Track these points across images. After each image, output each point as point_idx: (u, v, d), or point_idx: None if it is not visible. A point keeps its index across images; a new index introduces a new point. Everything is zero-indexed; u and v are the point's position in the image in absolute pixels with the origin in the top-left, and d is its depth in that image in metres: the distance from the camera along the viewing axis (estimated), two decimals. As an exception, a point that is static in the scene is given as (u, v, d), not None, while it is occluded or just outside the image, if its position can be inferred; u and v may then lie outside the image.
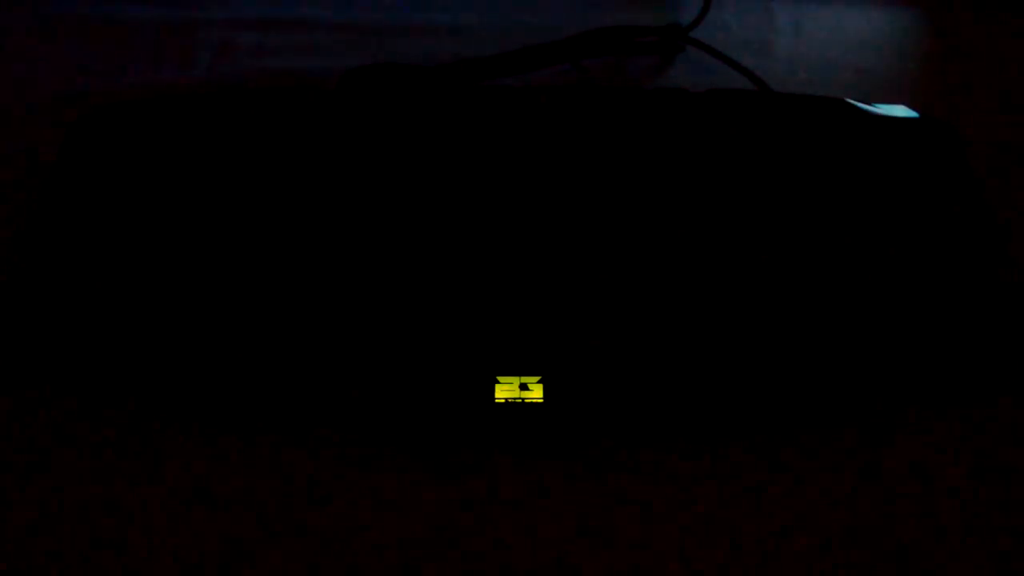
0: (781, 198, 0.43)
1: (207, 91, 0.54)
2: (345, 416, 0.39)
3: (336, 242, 0.41)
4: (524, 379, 0.38)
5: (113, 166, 0.44)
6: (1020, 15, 0.66)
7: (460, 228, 0.41)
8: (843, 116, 0.48)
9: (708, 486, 0.38)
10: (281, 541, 0.36)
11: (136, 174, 0.43)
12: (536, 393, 0.38)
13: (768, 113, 0.48)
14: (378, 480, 0.37)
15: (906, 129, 0.47)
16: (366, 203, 0.42)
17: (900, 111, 0.49)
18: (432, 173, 0.43)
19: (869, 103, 0.49)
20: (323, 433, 0.39)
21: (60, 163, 0.44)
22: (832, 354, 0.40)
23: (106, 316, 0.40)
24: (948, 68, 0.63)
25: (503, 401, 0.38)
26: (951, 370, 0.41)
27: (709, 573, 0.35)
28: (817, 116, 0.48)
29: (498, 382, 0.38)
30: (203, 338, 0.39)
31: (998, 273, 0.42)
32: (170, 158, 0.44)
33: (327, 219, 0.41)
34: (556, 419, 0.38)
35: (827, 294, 0.40)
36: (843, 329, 0.40)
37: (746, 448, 0.39)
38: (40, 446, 0.38)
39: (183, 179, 0.43)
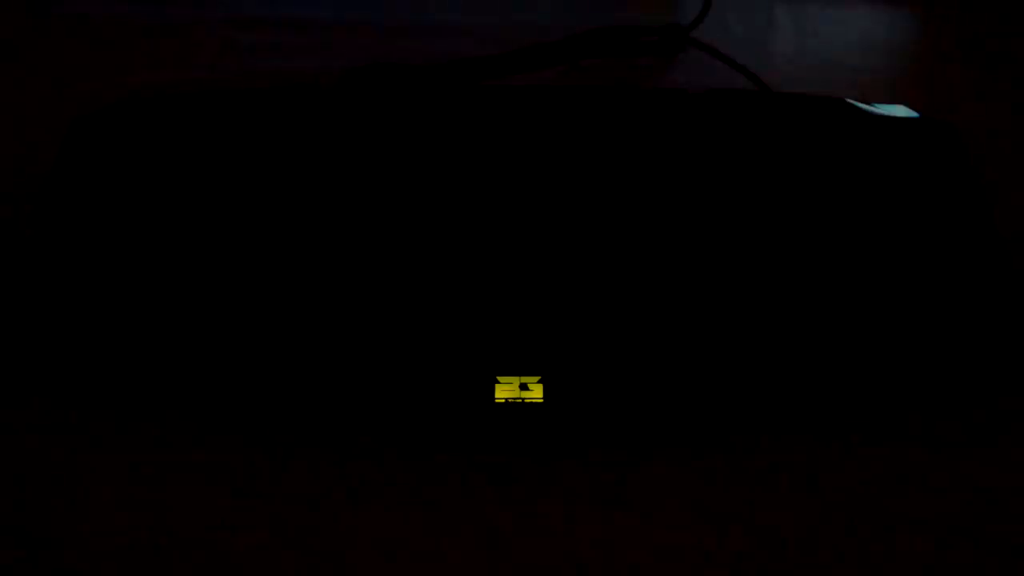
0: (781, 198, 0.43)
1: (207, 91, 0.54)
2: (344, 416, 0.39)
3: (335, 243, 0.41)
4: (524, 379, 0.38)
5: (111, 167, 0.43)
6: (1020, 14, 0.66)
7: (460, 228, 0.41)
8: (843, 116, 0.48)
9: (711, 486, 0.38)
10: (277, 542, 0.36)
11: (134, 174, 0.43)
12: (536, 393, 0.38)
13: (768, 113, 0.48)
14: (376, 480, 0.37)
15: (906, 129, 0.47)
16: (365, 203, 0.42)
17: (900, 111, 0.49)
18: (432, 173, 0.43)
19: (869, 103, 0.49)
20: (320, 433, 0.39)
21: (59, 164, 0.44)
22: (831, 354, 0.40)
23: (109, 319, 0.40)
24: (948, 68, 0.63)
25: (503, 401, 0.38)
26: (950, 370, 0.41)
27: (711, 572, 0.35)
28: (817, 116, 0.48)
29: (498, 382, 0.38)
30: (202, 338, 0.39)
31: (998, 273, 0.42)
32: (169, 158, 0.44)
33: (327, 220, 0.41)
34: (556, 419, 0.38)
35: (827, 294, 0.40)
36: (842, 329, 0.40)
37: (749, 448, 0.39)
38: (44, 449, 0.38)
39: (182, 179, 0.43)
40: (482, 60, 0.58)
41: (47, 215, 0.42)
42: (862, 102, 0.49)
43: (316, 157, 0.44)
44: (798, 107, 0.49)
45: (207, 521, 0.36)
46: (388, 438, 0.39)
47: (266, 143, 0.44)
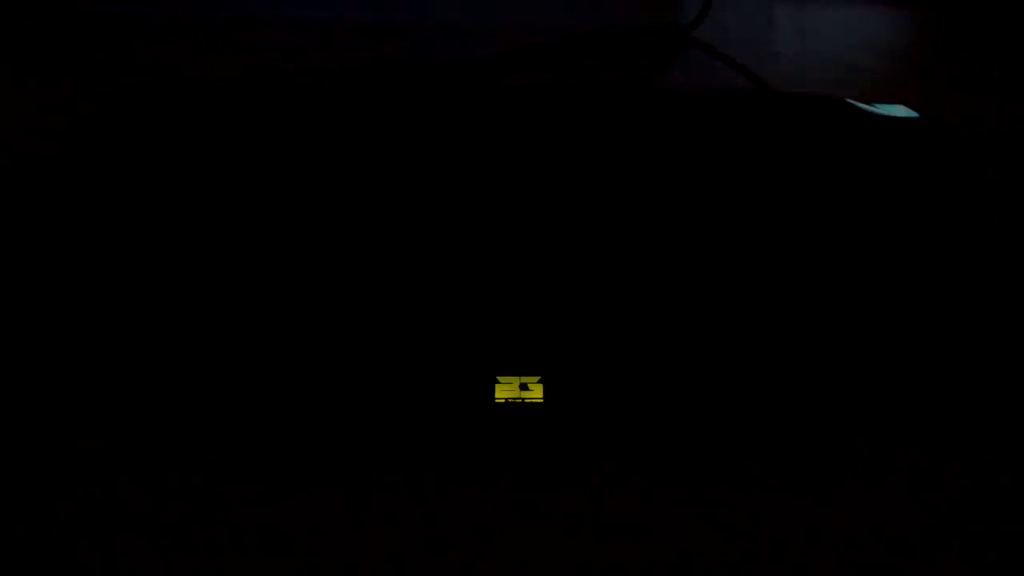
0: (781, 199, 0.43)
1: (207, 91, 0.54)
2: (343, 416, 0.39)
3: (334, 243, 0.41)
4: (524, 379, 0.38)
5: (112, 167, 0.44)
6: (1019, 14, 0.66)
7: (459, 228, 0.41)
8: (843, 116, 0.48)
9: (713, 490, 0.38)
10: (276, 543, 0.36)
11: (135, 174, 0.43)
12: (536, 393, 0.38)
13: (768, 113, 0.48)
14: (375, 480, 0.37)
15: (906, 129, 0.47)
16: (365, 203, 0.42)
17: (900, 111, 0.49)
18: (432, 173, 0.43)
19: (869, 103, 0.49)
20: (319, 433, 0.39)
21: (59, 164, 0.44)
22: (831, 354, 0.40)
23: (108, 320, 0.40)
24: (948, 68, 0.63)
25: (503, 401, 0.38)
26: (949, 370, 0.41)
27: (712, 572, 0.35)
28: (817, 116, 0.48)
29: (498, 382, 0.38)
30: (200, 338, 0.39)
31: (998, 273, 0.42)
32: (170, 158, 0.44)
33: (326, 220, 0.41)
34: (556, 420, 0.38)
35: (827, 295, 0.40)
36: (842, 329, 0.40)
37: (751, 451, 0.39)
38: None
39: (182, 179, 0.43)
40: (483, 60, 0.58)
41: (47, 215, 0.42)
42: (862, 102, 0.49)
43: (316, 157, 0.44)
44: (798, 107, 0.49)
45: (207, 521, 0.36)
46: (387, 438, 0.39)
47: (266, 143, 0.44)
